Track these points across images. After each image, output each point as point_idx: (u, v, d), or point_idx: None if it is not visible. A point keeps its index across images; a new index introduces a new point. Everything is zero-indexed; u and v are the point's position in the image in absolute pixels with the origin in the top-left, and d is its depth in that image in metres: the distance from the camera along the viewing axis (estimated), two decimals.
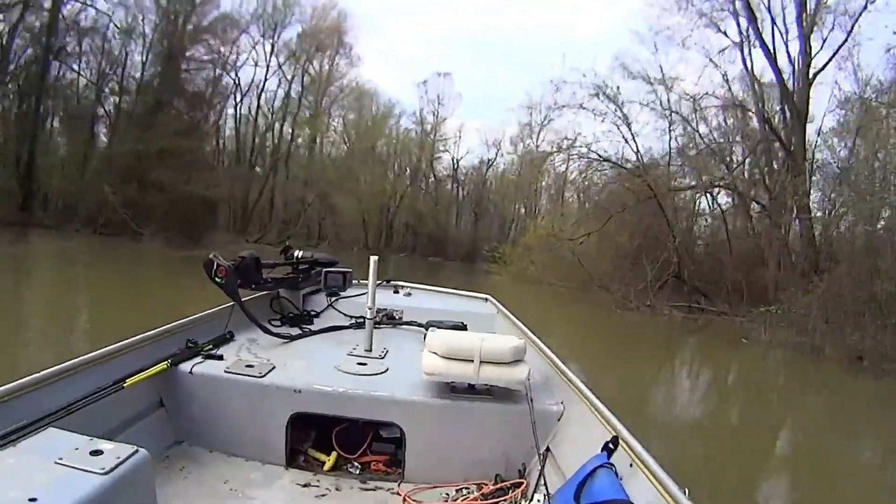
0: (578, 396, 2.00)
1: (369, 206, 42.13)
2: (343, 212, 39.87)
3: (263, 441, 2.11)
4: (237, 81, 34.42)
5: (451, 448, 2.06)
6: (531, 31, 62.28)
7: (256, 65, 35.11)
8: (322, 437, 2.20)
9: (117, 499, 1.28)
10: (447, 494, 1.98)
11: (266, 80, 36.13)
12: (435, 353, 2.05)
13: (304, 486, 2.01)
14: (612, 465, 1.52)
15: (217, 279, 2.49)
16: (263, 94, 36.69)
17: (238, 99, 35.58)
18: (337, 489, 2.01)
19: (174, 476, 1.96)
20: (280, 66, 36.73)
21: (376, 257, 2.50)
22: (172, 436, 2.17)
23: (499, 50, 60.72)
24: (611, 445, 1.59)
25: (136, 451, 1.39)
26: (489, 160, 51.42)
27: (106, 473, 1.28)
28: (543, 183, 52.19)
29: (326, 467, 2.12)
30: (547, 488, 1.67)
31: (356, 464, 2.14)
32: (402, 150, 47.78)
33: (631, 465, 1.50)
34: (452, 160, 50.92)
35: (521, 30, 61.63)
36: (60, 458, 1.33)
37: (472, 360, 1.99)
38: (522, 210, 52.09)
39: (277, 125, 38.35)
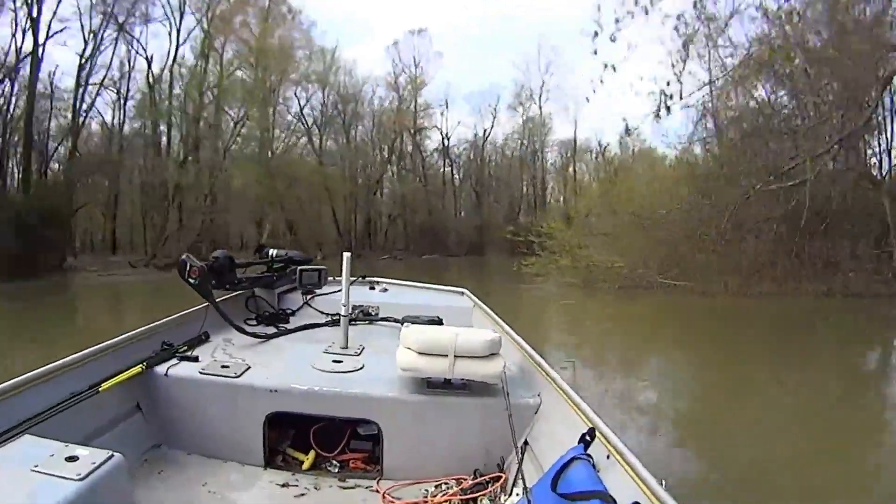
0: (555, 389, 1.96)
1: (338, 196, 35.12)
2: (299, 208, 32.26)
3: (241, 442, 2.09)
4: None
5: (428, 444, 2.04)
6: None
7: None
8: (300, 436, 2.17)
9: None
10: (426, 490, 1.96)
11: None
12: (410, 348, 2.02)
13: (283, 486, 2.01)
14: (589, 456, 1.51)
15: (190, 280, 2.46)
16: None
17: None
18: (316, 488, 2.01)
19: (152, 480, 1.96)
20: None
21: (349, 253, 2.52)
22: (150, 439, 2.16)
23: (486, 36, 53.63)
24: (588, 438, 1.57)
25: (112, 455, 1.39)
26: (484, 131, 42.11)
27: (81, 479, 1.28)
28: (549, 155, 42.44)
29: (305, 466, 2.11)
30: (525, 481, 1.66)
31: (335, 462, 2.13)
32: (378, 124, 39.71)
33: (608, 457, 1.48)
34: (441, 135, 41.48)
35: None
36: (36, 466, 1.33)
37: (447, 355, 1.96)
38: (525, 188, 43.12)
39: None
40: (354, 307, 2.94)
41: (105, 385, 1.96)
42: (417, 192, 39.77)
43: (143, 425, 2.15)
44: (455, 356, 1.96)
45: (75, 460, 1.35)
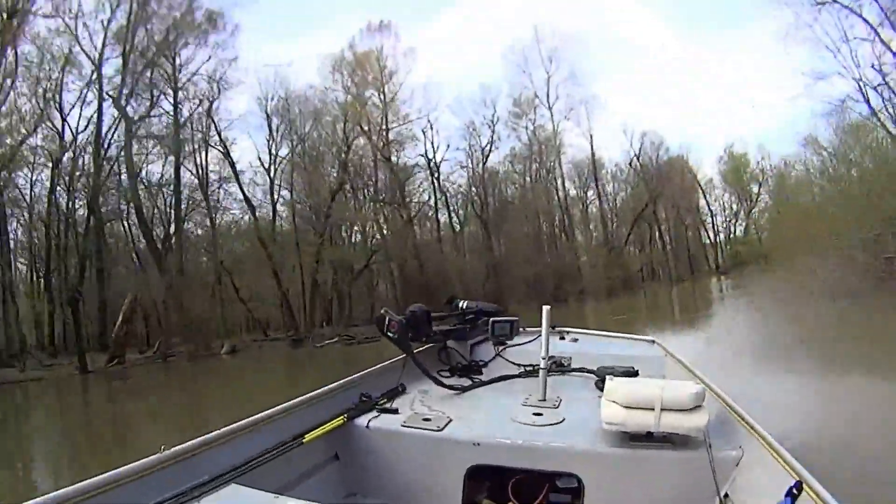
0: (758, 440, 1.88)
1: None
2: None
3: (439, 494, 2.12)
4: None
5: (629, 498, 2.02)
6: None
7: None
8: (497, 487, 2.17)
9: None
10: None
11: None
12: (615, 401, 2.01)
13: None
14: None
15: (390, 334, 2.56)
16: None
17: None
18: None
19: None
20: None
21: (548, 306, 2.61)
22: (346, 488, 2.21)
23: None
24: (794, 491, 1.51)
25: None
26: (482, 149, 32.16)
27: None
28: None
29: None
30: None
31: None
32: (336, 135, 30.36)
33: None
34: (428, 163, 31.51)
35: None
36: None
37: (653, 409, 1.94)
38: (542, 218, 33.14)
39: None
40: (549, 358, 2.83)
41: (308, 436, 2.03)
42: (402, 234, 29.49)
43: (341, 475, 2.20)
44: (661, 409, 1.93)
45: None
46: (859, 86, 22.56)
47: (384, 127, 31.29)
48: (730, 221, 40.80)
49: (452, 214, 34.43)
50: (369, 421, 2.22)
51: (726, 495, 1.81)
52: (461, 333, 3.31)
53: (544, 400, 2.48)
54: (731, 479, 1.88)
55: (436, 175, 33.00)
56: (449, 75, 45.24)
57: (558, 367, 3.01)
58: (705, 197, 39.82)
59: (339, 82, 30.36)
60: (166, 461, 1.61)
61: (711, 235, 40.52)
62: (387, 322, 2.55)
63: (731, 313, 18.39)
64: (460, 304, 3.45)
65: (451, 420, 2.22)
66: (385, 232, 30.80)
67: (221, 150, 27.38)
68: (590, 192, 37.93)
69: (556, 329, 3.64)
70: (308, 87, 29.69)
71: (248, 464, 1.76)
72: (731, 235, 40.71)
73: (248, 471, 1.74)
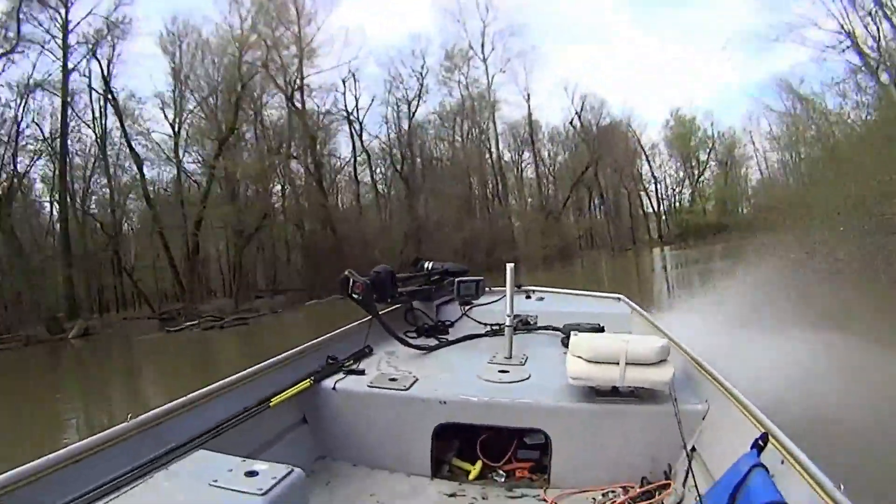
0: (724, 394, 1.94)
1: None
2: None
3: (408, 453, 2.12)
4: None
5: (596, 452, 2.05)
6: None
7: None
8: (466, 446, 2.19)
9: None
10: (594, 499, 1.97)
11: None
12: (580, 357, 2.03)
13: (451, 495, 2.02)
14: (762, 462, 1.48)
15: (354, 295, 2.49)
16: None
17: None
18: (483, 498, 2.01)
19: (320, 491, 1.98)
20: None
21: (512, 264, 2.55)
22: (316, 451, 2.20)
23: None
24: (760, 443, 1.54)
25: (291, 470, 1.40)
26: (410, 103, 29.25)
27: (263, 494, 1.30)
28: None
29: (471, 476, 2.12)
30: (698, 489, 1.66)
31: (501, 472, 2.13)
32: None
33: (783, 463, 1.46)
34: (348, 116, 27.96)
35: None
36: (215, 480, 1.36)
37: (618, 363, 1.97)
38: (475, 181, 30.82)
39: None
40: (514, 316, 2.79)
41: (275, 400, 2.02)
42: (308, 195, 25.45)
43: (309, 438, 2.20)
44: (626, 364, 1.96)
45: (255, 475, 1.36)
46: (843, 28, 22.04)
47: (299, 73, 26.77)
48: (675, 190, 38.84)
49: (377, 175, 30.46)
50: (336, 383, 2.22)
51: (693, 448, 1.86)
52: (427, 294, 3.28)
53: (510, 358, 2.49)
54: (697, 432, 1.93)
55: (357, 131, 28.88)
56: (375, 24, 40.47)
57: (524, 325, 3.04)
58: (649, 163, 37.73)
59: (237, 13, 25.39)
60: (133, 430, 1.61)
61: (655, 204, 38.45)
62: (350, 283, 2.49)
63: (672, 288, 17.21)
64: (426, 265, 3.41)
65: (417, 380, 2.23)
66: (286, 190, 26.43)
67: (107, 97, 22.47)
68: (526, 154, 34.83)
69: (523, 288, 3.62)
70: (203, 20, 24.75)
71: (215, 429, 1.77)
72: (677, 204, 38.84)
73: (216, 436, 1.75)
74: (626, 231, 37.39)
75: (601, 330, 2.69)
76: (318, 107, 28.05)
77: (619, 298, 3.53)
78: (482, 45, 31.76)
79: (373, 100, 30.21)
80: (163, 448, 1.58)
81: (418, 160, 31.23)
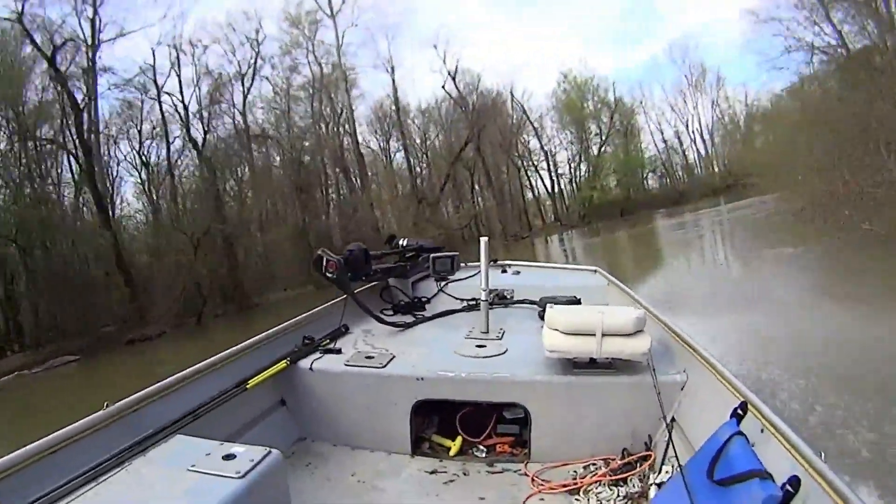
0: (702, 364, 1.90)
1: None
2: None
3: (387, 431, 2.10)
4: None
5: (576, 425, 2.05)
6: None
7: None
8: (446, 422, 2.18)
9: (255, 501, 1.30)
10: (575, 472, 1.97)
11: None
12: (556, 329, 2.01)
13: (432, 472, 2.01)
14: (742, 431, 1.49)
15: (328, 274, 2.45)
16: None
17: None
18: (464, 474, 2.01)
19: (301, 472, 1.97)
20: None
21: (486, 238, 2.54)
22: (295, 433, 2.19)
23: None
24: (739, 412, 1.55)
25: (269, 452, 1.40)
26: (242, 76, 23.25)
27: (241, 477, 1.31)
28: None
29: (452, 452, 2.11)
30: (678, 459, 1.67)
31: (482, 447, 2.13)
32: None
33: (762, 431, 1.48)
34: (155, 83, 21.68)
35: None
36: (193, 465, 1.36)
37: (594, 335, 1.95)
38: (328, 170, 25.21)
39: None
40: (490, 291, 2.77)
41: (252, 382, 1.99)
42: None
43: (288, 419, 2.19)
44: (602, 335, 1.95)
45: (232, 458, 1.37)
46: None
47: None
48: (572, 166, 34.20)
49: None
50: (313, 363, 2.19)
51: (673, 419, 1.86)
52: (402, 271, 3.25)
53: (487, 332, 2.48)
54: (676, 402, 1.93)
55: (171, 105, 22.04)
56: None
57: (501, 299, 3.02)
58: (538, 135, 32.51)
59: None
60: (110, 418, 1.60)
61: (548, 183, 33.62)
62: (324, 262, 2.44)
63: None
64: (400, 242, 3.38)
65: (394, 357, 2.21)
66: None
67: None
68: (395, 135, 29.01)
69: (498, 263, 3.63)
70: None
71: (192, 413, 1.76)
72: (576, 182, 34.23)
73: (193, 420, 1.73)
74: (519, 216, 32.41)
75: (578, 302, 2.68)
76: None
77: (595, 271, 3.53)
78: (329, 4, 25.71)
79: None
80: (140, 434, 1.58)
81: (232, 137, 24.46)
